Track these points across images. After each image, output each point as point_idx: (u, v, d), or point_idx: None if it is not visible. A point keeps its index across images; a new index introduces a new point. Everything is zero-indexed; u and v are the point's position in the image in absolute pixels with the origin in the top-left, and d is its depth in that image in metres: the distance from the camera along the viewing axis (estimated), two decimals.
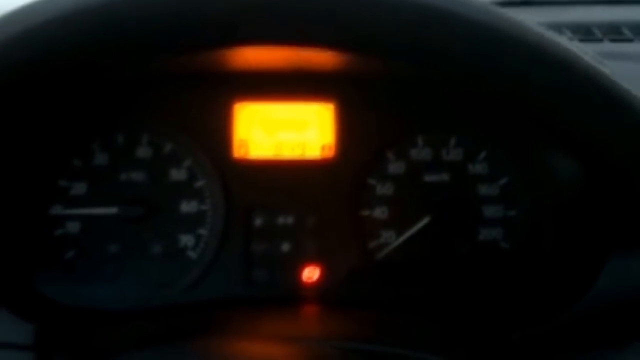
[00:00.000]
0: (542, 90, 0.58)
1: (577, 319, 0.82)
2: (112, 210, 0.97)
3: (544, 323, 0.84)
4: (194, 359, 0.58)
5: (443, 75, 0.62)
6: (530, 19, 0.59)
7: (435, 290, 0.99)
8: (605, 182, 0.84)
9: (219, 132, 0.99)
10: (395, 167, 1.01)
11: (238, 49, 0.79)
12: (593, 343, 0.79)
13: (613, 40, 1.13)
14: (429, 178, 1.00)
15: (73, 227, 0.99)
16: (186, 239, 1.00)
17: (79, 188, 0.99)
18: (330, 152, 1.00)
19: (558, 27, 1.17)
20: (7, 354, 0.79)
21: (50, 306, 0.94)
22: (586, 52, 0.60)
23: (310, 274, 0.98)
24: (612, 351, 0.77)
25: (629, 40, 1.14)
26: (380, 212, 1.00)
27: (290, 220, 1.00)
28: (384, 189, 1.01)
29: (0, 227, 0.93)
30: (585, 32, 1.17)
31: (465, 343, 0.80)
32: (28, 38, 0.55)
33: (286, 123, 1.00)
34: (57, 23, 0.55)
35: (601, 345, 0.78)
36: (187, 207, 0.99)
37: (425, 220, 0.99)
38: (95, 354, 0.74)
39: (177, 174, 1.00)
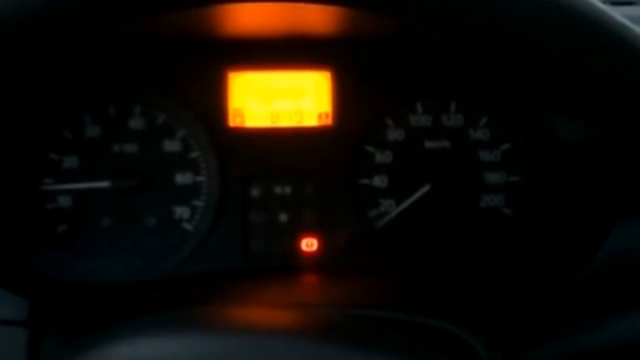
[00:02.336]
0: (573, 49, 0.57)
1: (582, 284, 0.80)
2: (105, 183, 0.95)
3: (547, 289, 0.83)
4: (194, 325, 0.56)
5: (467, 37, 0.60)
6: None
7: (436, 259, 0.98)
8: (612, 146, 0.83)
9: (214, 101, 0.97)
10: (395, 134, 0.99)
11: (231, 13, 0.78)
12: (598, 307, 0.78)
13: (615, 4, 1.11)
14: (429, 145, 0.98)
15: (65, 201, 0.97)
16: (181, 211, 0.98)
17: (71, 161, 0.97)
18: (327, 120, 0.98)
19: None
20: (1, 330, 0.77)
21: (45, 281, 0.92)
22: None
23: (309, 243, 0.97)
24: (617, 315, 0.76)
25: (632, 3, 1.12)
26: (379, 181, 0.99)
27: (287, 190, 0.98)
28: (383, 157, 0.99)
29: None
30: None
31: (468, 309, 0.79)
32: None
33: (282, 91, 0.98)
34: None
35: (606, 309, 0.77)
36: (182, 178, 0.98)
37: (426, 188, 0.97)
38: (91, 327, 0.72)
39: (171, 145, 0.98)
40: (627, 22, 0.59)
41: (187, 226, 0.98)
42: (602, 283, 0.80)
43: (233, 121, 0.97)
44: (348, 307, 0.71)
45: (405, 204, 0.97)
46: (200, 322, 0.57)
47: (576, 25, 0.55)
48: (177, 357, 0.52)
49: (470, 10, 0.56)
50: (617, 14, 0.60)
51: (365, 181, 0.99)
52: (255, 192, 0.98)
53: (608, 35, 0.57)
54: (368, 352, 0.52)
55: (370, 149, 0.98)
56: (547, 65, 0.60)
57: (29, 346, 0.77)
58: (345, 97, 0.97)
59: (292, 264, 0.96)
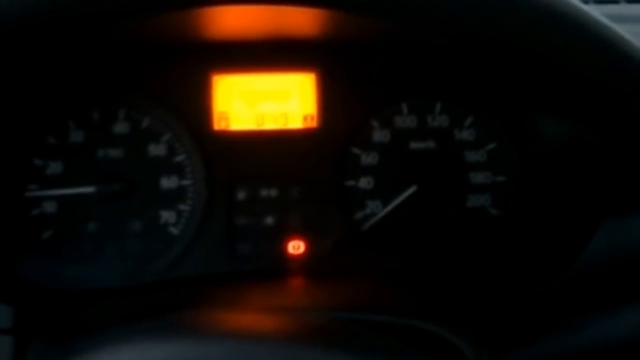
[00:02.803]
0: (559, 50, 0.57)
1: (569, 283, 0.81)
2: (90, 189, 0.95)
3: (535, 288, 0.83)
4: (180, 331, 0.56)
5: (456, 37, 0.60)
6: None
7: (423, 260, 0.98)
8: (597, 145, 0.83)
9: (198, 105, 0.97)
10: (380, 135, 0.99)
11: (215, 16, 0.78)
12: (585, 307, 0.78)
13: (599, 2, 1.11)
14: (414, 146, 0.98)
15: (50, 206, 0.96)
16: (167, 215, 0.97)
17: (55, 167, 0.96)
18: (313, 122, 0.98)
19: None
20: None
21: (30, 288, 0.91)
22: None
23: (296, 246, 0.97)
24: (604, 315, 0.76)
25: (615, 2, 1.12)
26: (365, 182, 0.99)
27: (273, 192, 0.98)
28: (369, 159, 0.99)
29: None
30: None
31: (454, 309, 0.79)
32: None
33: (267, 94, 0.98)
34: None
35: (593, 309, 0.77)
36: (168, 182, 0.97)
37: (412, 189, 0.97)
38: (77, 334, 0.72)
39: (156, 149, 0.97)
40: (609, 21, 0.60)
41: (173, 230, 0.97)
42: (588, 282, 0.80)
43: (218, 124, 0.97)
44: (334, 310, 0.71)
45: (391, 206, 0.97)
46: (186, 328, 0.57)
47: (557, 25, 0.55)
48: None
49: (453, 11, 0.56)
50: (602, 12, 0.60)
51: (351, 183, 0.99)
52: (241, 195, 0.97)
53: (590, 35, 0.57)
54: (354, 356, 0.52)
55: (356, 150, 0.98)
56: (531, 64, 0.60)
57: (14, 354, 0.76)
58: (330, 99, 0.97)
59: (278, 267, 0.96)
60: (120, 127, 0.97)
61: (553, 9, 0.56)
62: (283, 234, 0.97)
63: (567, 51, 0.58)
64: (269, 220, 0.98)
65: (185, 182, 0.97)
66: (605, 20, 0.59)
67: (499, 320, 0.78)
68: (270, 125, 0.98)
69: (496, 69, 0.92)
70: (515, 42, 0.57)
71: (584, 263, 0.80)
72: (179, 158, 0.97)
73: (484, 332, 0.74)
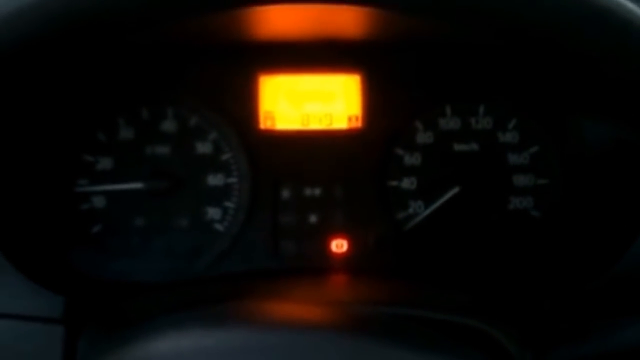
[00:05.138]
0: (608, 50, 0.57)
1: (609, 286, 0.80)
2: (138, 185, 0.97)
3: (575, 290, 0.83)
4: (232, 320, 0.57)
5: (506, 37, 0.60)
6: None
7: (465, 261, 0.98)
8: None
9: (245, 104, 0.98)
10: (424, 137, 0.99)
11: (262, 16, 0.79)
12: (625, 310, 0.77)
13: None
14: (458, 147, 0.99)
15: (99, 201, 0.99)
16: (213, 212, 0.99)
17: (105, 163, 0.98)
18: (357, 123, 0.99)
19: None
20: (37, 327, 0.79)
21: (80, 280, 0.94)
22: None
23: (339, 245, 0.98)
24: None
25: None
26: (408, 183, 0.99)
27: (317, 192, 0.99)
28: (412, 159, 0.99)
29: (27, 202, 0.92)
30: None
31: (498, 309, 0.79)
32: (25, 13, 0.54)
33: (312, 94, 0.99)
34: None
35: (633, 311, 0.77)
36: (214, 180, 0.99)
37: (455, 191, 0.97)
38: (128, 323, 0.73)
39: (203, 147, 0.99)
40: None
41: (219, 227, 0.99)
42: (629, 285, 0.80)
43: (264, 124, 0.99)
44: (380, 305, 0.72)
45: (434, 206, 0.98)
46: (237, 317, 0.58)
47: (606, 24, 0.55)
48: (215, 351, 0.53)
49: (501, 9, 0.57)
50: None
51: (394, 183, 0.99)
52: (285, 193, 0.99)
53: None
54: (404, 347, 0.52)
55: (399, 151, 0.99)
56: (579, 63, 0.60)
57: (65, 343, 0.78)
58: (374, 100, 0.98)
59: (321, 265, 0.97)
60: (169, 125, 0.99)
61: (601, 6, 0.56)
62: (326, 232, 0.98)
63: (615, 51, 0.58)
64: (313, 218, 0.99)
65: (231, 180, 0.99)
66: None
67: (541, 321, 0.78)
68: (315, 125, 0.99)
69: (540, 71, 0.93)
70: (567, 41, 0.57)
71: (625, 266, 0.80)
72: (225, 156, 0.99)
73: (527, 332, 0.75)
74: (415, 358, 0.52)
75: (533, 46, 0.60)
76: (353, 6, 0.60)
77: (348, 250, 0.98)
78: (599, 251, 0.87)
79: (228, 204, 0.99)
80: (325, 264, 0.97)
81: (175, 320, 0.60)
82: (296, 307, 0.61)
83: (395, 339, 0.54)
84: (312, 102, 0.99)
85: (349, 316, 0.58)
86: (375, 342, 0.54)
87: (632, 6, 0.58)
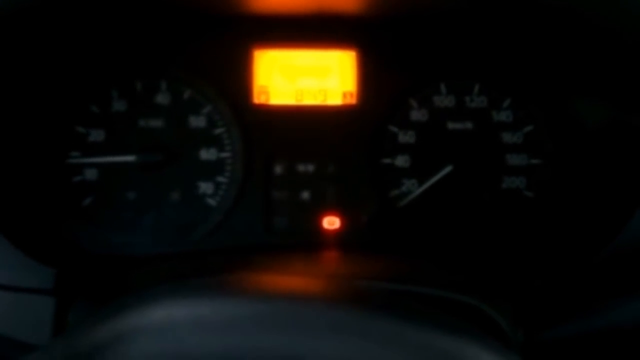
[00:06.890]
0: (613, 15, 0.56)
1: (603, 265, 0.81)
2: (131, 157, 0.96)
3: (567, 270, 0.83)
4: (226, 290, 0.57)
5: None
6: None
7: (457, 239, 0.98)
8: (634, 127, 0.83)
9: (239, 78, 0.98)
10: (418, 114, 0.99)
11: None
12: (618, 288, 0.78)
13: None
14: (452, 126, 0.99)
15: (91, 174, 0.98)
16: (205, 186, 0.99)
17: (97, 135, 0.98)
18: (351, 100, 0.98)
19: None
20: (29, 298, 0.78)
21: (71, 252, 0.93)
22: None
23: (331, 221, 0.97)
24: (637, 296, 0.76)
25: None
26: (402, 160, 0.99)
27: (310, 168, 0.99)
28: (406, 137, 0.99)
29: (19, 174, 0.92)
30: None
31: (491, 286, 0.79)
32: None
33: (307, 70, 0.99)
34: None
35: (626, 290, 0.77)
36: (207, 154, 0.98)
37: (448, 169, 0.97)
38: (120, 295, 0.73)
39: (196, 121, 0.98)
40: None
41: (211, 201, 0.98)
42: (622, 264, 0.80)
43: (258, 98, 0.98)
44: (373, 280, 0.72)
45: (427, 184, 0.98)
46: (232, 287, 0.57)
47: None
48: (211, 319, 0.52)
49: None
50: None
51: (387, 161, 0.99)
52: (278, 169, 0.98)
53: None
54: (397, 319, 0.52)
55: (393, 128, 0.99)
56: (586, 35, 0.59)
57: (55, 314, 0.78)
58: (369, 76, 0.98)
59: (313, 241, 0.97)
60: (162, 98, 0.98)
61: None
62: (319, 208, 0.98)
63: (622, 22, 0.58)
64: (305, 195, 0.99)
65: (224, 155, 0.98)
66: None
67: (533, 299, 0.79)
68: (309, 100, 0.99)
69: (536, 51, 0.92)
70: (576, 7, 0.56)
71: (618, 246, 0.80)
72: (218, 130, 0.98)
73: (520, 310, 0.75)
74: (407, 329, 0.52)
75: (542, 13, 0.59)
76: None
77: (340, 226, 0.98)
78: (592, 231, 0.87)
79: (220, 178, 0.99)
80: (317, 240, 0.97)
81: (169, 290, 0.60)
82: (290, 279, 0.61)
83: (387, 311, 0.54)
84: (306, 78, 0.99)
85: (342, 288, 0.58)
86: (367, 313, 0.53)
87: None
